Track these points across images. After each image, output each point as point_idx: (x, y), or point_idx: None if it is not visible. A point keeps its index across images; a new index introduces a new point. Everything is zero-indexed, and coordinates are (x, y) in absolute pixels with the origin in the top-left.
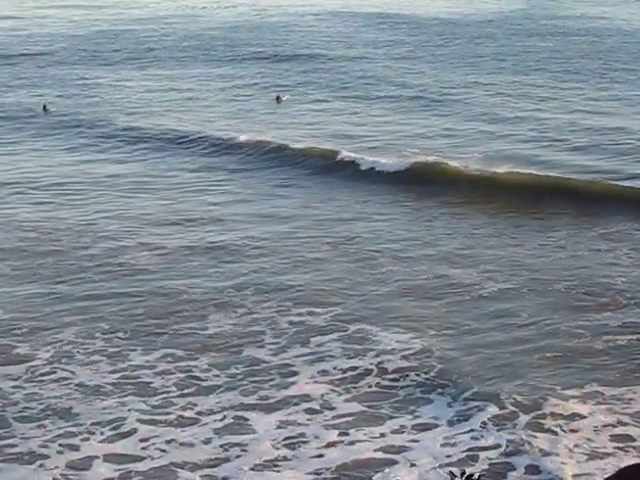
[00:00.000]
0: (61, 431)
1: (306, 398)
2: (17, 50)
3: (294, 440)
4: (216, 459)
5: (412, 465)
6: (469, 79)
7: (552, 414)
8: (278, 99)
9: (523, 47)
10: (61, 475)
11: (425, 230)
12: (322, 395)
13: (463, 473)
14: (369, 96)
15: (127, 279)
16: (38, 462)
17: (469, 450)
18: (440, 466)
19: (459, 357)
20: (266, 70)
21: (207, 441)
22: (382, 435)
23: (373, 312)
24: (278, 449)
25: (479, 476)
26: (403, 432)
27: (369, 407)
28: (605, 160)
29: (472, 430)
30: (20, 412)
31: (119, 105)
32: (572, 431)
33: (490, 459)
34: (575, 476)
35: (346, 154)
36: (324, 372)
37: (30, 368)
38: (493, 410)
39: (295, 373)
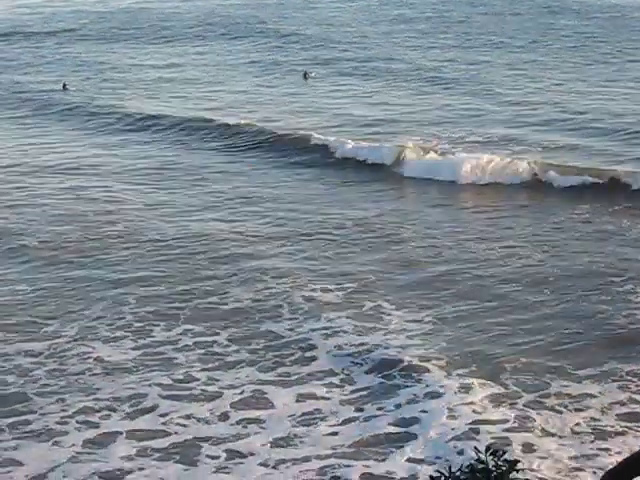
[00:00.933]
0: (81, 405)
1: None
2: (40, 28)
3: (312, 416)
4: (237, 434)
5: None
6: (488, 58)
7: (558, 393)
8: (305, 76)
9: (547, 25)
10: (78, 453)
11: (448, 209)
12: (342, 369)
13: (488, 449)
14: (390, 74)
15: (152, 256)
16: (56, 439)
17: (472, 423)
18: (447, 440)
19: (470, 335)
20: (289, 48)
21: (227, 416)
22: (397, 406)
23: (389, 290)
24: (295, 426)
25: (503, 452)
26: (412, 405)
27: (380, 380)
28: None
29: (473, 403)
30: (40, 388)
31: (139, 84)
32: (577, 410)
33: (490, 433)
34: (573, 458)
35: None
36: (338, 347)
37: (55, 345)
38: (496, 387)
39: (312, 347)
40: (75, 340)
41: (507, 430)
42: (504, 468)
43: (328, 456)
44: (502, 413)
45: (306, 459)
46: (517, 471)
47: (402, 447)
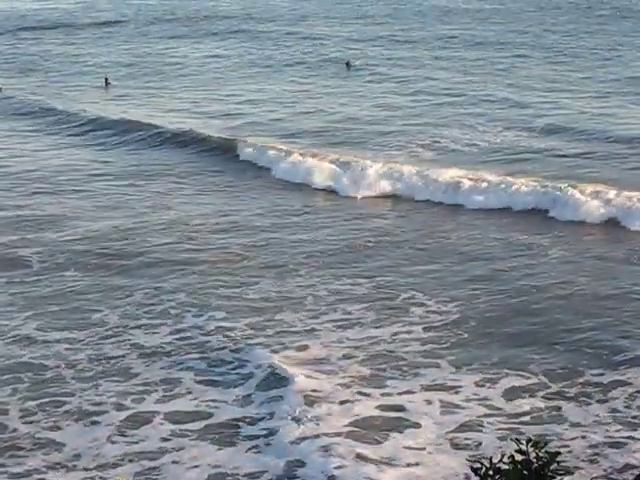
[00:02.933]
0: (119, 388)
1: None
2: (81, 19)
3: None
4: (262, 414)
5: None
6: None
7: (586, 382)
8: (348, 65)
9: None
10: (115, 434)
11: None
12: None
13: (529, 440)
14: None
15: (193, 245)
16: (94, 419)
17: (484, 416)
18: (447, 432)
19: (497, 325)
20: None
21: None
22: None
23: (425, 280)
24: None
25: (545, 443)
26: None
27: (377, 370)
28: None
29: (487, 398)
30: (80, 372)
31: (177, 81)
32: (603, 401)
33: (493, 425)
34: (592, 446)
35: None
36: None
37: (95, 332)
38: (519, 378)
39: (317, 337)
40: (116, 327)
41: (522, 423)
42: (545, 460)
43: (337, 434)
44: (522, 404)
45: (316, 436)
46: (558, 463)
47: (400, 433)
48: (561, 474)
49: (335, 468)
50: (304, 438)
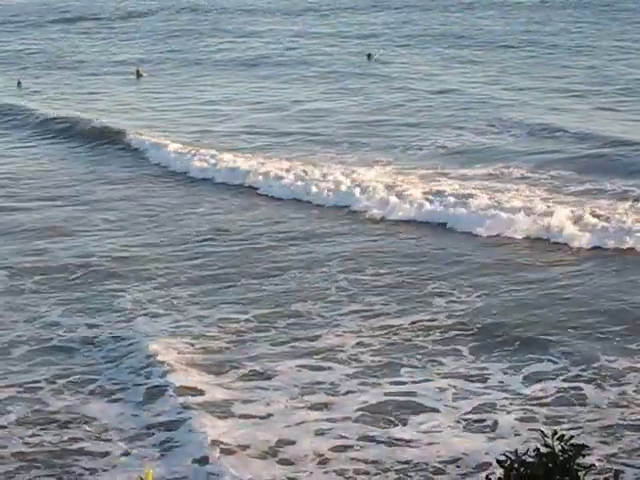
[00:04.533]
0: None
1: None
2: (106, 11)
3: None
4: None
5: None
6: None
7: (602, 367)
8: (370, 57)
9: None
10: (137, 407)
11: None
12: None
13: (555, 433)
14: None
15: (220, 237)
16: (118, 395)
17: (503, 399)
18: (463, 414)
19: (520, 314)
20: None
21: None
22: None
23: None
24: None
25: (571, 436)
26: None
27: (393, 359)
28: None
29: (502, 383)
30: (107, 352)
31: (210, 69)
32: (616, 385)
33: (505, 407)
34: (604, 428)
35: None
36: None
37: (110, 318)
38: (538, 364)
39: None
40: (130, 313)
41: (537, 405)
42: (571, 453)
43: (341, 419)
44: (541, 388)
45: (320, 429)
46: (584, 456)
47: (415, 416)
48: (586, 467)
49: (331, 450)
50: (302, 422)
